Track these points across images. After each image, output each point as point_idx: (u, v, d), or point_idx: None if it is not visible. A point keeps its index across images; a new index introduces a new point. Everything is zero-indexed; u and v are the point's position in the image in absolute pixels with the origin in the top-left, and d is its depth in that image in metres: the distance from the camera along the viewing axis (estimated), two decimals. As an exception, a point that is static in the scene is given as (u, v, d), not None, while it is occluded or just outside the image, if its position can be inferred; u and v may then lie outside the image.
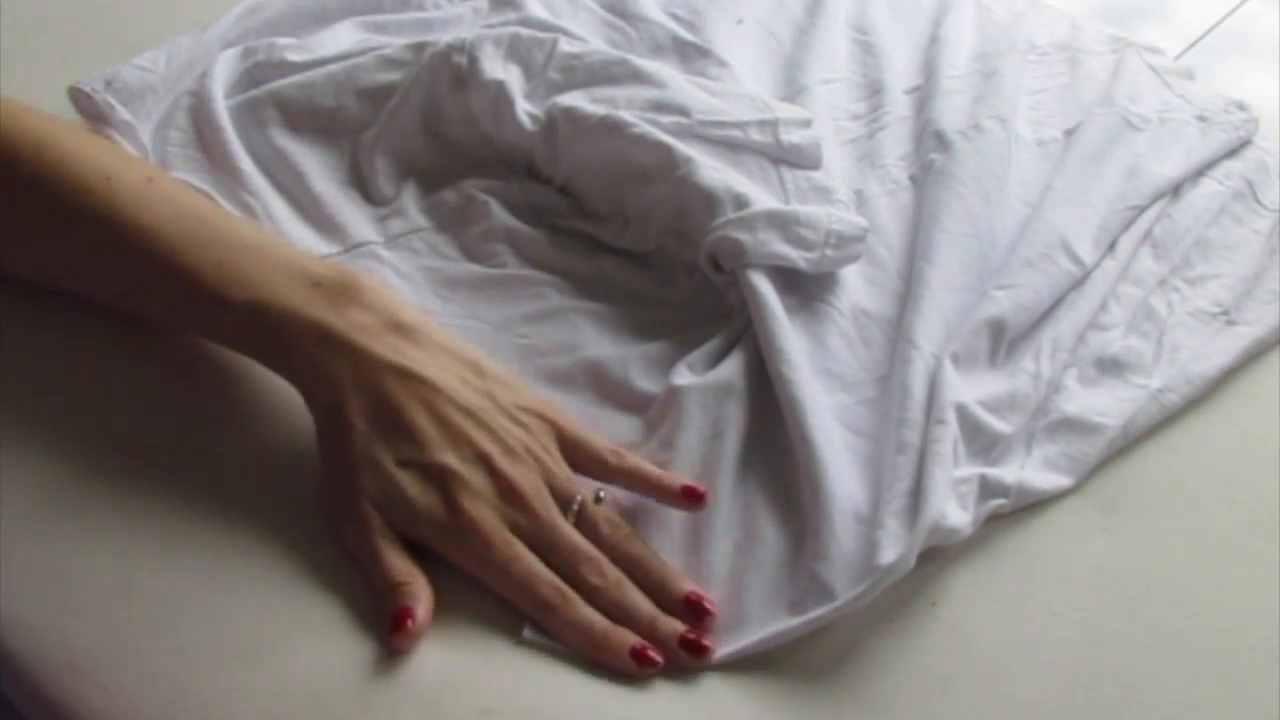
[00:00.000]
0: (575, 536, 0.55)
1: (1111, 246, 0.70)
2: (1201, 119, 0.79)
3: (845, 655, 0.54)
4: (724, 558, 0.57)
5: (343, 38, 0.79)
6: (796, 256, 0.65)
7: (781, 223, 0.65)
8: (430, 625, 0.53)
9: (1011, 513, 0.60)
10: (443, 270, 0.69)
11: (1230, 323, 0.69)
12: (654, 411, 0.62)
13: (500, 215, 0.70)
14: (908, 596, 0.56)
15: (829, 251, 0.66)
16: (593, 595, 0.54)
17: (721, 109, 0.72)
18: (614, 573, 0.55)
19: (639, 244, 0.70)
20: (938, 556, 0.58)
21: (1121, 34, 0.87)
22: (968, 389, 0.61)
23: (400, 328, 0.57)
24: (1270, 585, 0.59)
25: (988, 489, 0.59)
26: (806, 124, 0.74)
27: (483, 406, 0.57)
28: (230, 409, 0.61)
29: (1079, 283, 0.68)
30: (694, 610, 0.55)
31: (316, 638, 0.53)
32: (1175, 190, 0.75)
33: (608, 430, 0.62)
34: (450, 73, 0.73)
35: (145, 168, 0.62)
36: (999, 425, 0.61)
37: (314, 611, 0.54)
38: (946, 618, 0.56)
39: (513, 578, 0.54)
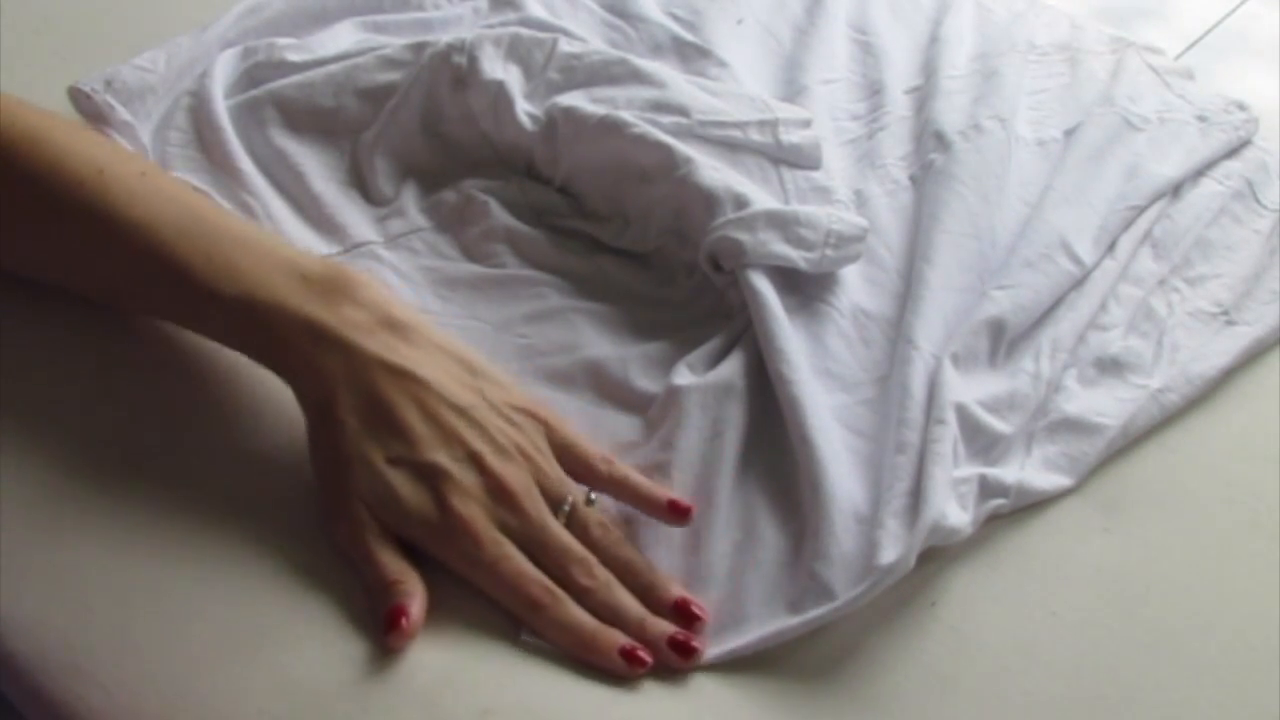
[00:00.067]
0: (565, 537, 0.55)
1: (1111, 246, 0.70)
2: (1201, 119, 0.79)
3: (845, 655, 0.54)
4: (723, 557, 0.57)
5: (343, 38, 0.79)
6: (796, 256, 0.65)
7: (781, 223, 0.65)
8: (427, 624, 0.53)
9: (1011, 513, 0.60)
10: (442, 270, 0.69)
11: (1230, 323, 0.69)
12: (654, 411, 0.62)
13: (500, 215, 0.70)
14: (907, 596, 0.56)
15: (829, 251, 0.66)
16: (582, 596, 0.54)
17: (721, 109, 0.72)
18: (604, 574, 0.55)
19: (639, 244, 0.70)
20: (937, 556, 0.58)
21: (1121, 34, 0.87)
22: (967, 389, 0.61)
23: (393, 324, 0.57)
24: (1270, 585, 0.59)
25: (987, 489, 0.59)
26: (806, 124, 0.74)
27: (475, 404, 0.56)
28: (230, 409, 0.61)
29: (1079, 283, 0.68)
30: (683, 614, 0.55)
31: (316, 637, 0.53)
32: (1175, 190, 0.75)
33: (608, 430, 0.62)
34: (450, 73, 0.73)
35: (139, 162, 0.62)
36: (999, 425, 0.61)
37: (313, 611, 0.54)
38: (946, 618, 0.56)
39: (501, 577, 0.54)
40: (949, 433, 0.59)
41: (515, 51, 0.74)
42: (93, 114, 0.71)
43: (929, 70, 0.81)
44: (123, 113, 0.72)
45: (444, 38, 0.75)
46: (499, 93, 0.72)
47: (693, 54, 0.81)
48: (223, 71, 0.75)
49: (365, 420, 0.55)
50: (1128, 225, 0.71)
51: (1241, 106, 0.81)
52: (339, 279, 0.58)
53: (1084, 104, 0.79)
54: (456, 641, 0.53)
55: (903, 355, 0.63)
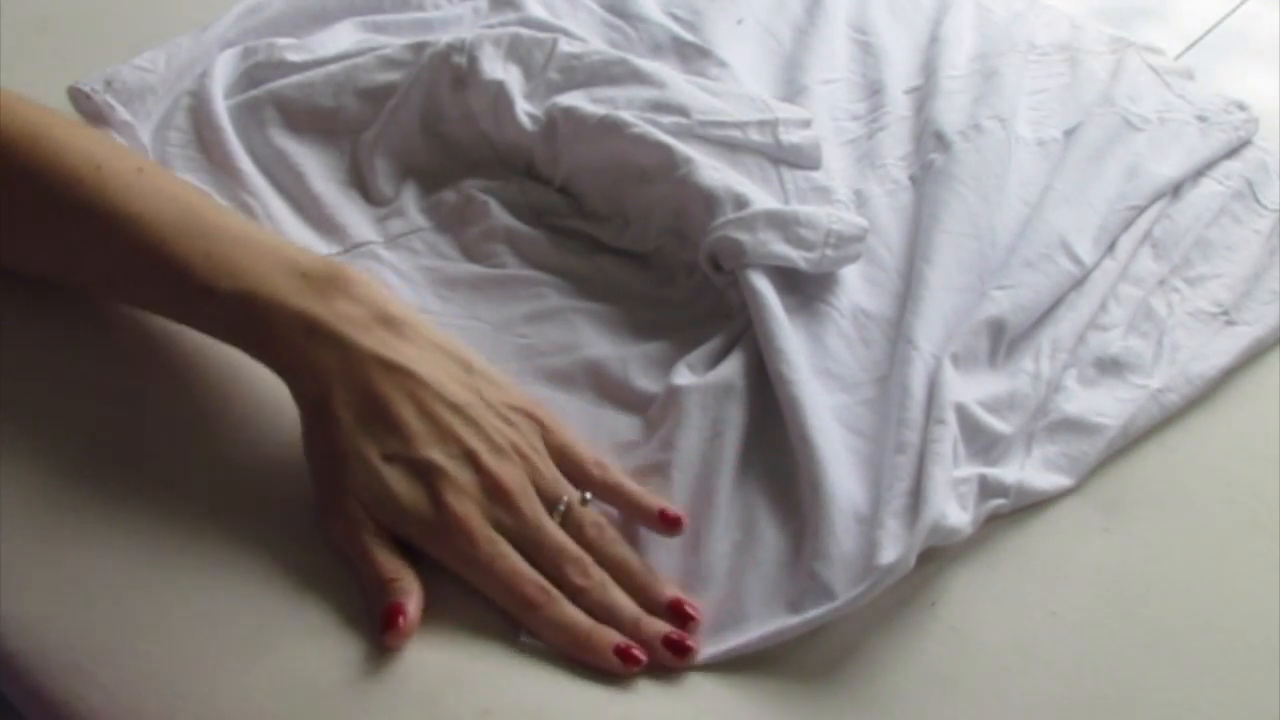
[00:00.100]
0: (561, 536, 0.55)
1: (1111, 246, 0.70)
2: (1201, 119, 0.79)
3: (845, 655, 0.54)
4: (723, 557, 0.57)
5: (343, 38, 0.79)
6: (796, 256, 0.65)
7: (781, 223, 0.65)
8: (426, 624, 0.53)
9: (1011, 513, 0.60)
10: (442, 270, 0.69)
11: (1230, 323, 0.69)
12: (654, 411, 0.62)
13: (500, 215, 0.70)
14: (907, 596, 0.56)
15: (829, 251, 0.66)
16: (576, 595, 0.54)
17: (721, 109, 0.72)
18: (598, 573, 0.55)
19: (639, 244, 0.70)
20: (937, 556, 0.58)
21: (1121, 34, 0.87)
22: (967, 389, 0.61)
23: (389, 321, 0.57)
24: (1270, 585, 0.59)
25: (987, 489, 0.59)
26: (806, 124, 0.74)
27: (470, 402, 0.56)
28: (229, 409, 0.61)
29: (1079, 283, 0.68)
30: (678, 614, 0.55)
31: (316, 637, 0.53)
32: (1175, 190, 0.75)
33: (608, 430, 0.62)
34: (450, 73, 0.73)
35: (136, 159, 0.62)
36: (999, 425, 0.61)
37: (314, 611, 0.54)
38: (946, 618, 0.56)
39: (496, 576, 0.54)
40: (949, 433, 0.59)
41: (515, 51, 0.74)
42: (93, 114, 0.71)
43: (929, 70, 0.81)
44: (123, 113, 0.72)
45: (444, 38, 0.75)
46: (499, 93, 0.72)
47: (693, 54, 0.81)
48: (223, 71, 0.75)
49: (361, 416, 0.55)
50: (1128, 225, 0.71)
51: (1241, 106, 0.81)
52: (336, 275, 0.58)
53: (1084, 104, 0.79)
54: (456, 641, 0.53)
55: (903, 355, 0.63)
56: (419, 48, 0.74)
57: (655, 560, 0.57)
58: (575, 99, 0.71)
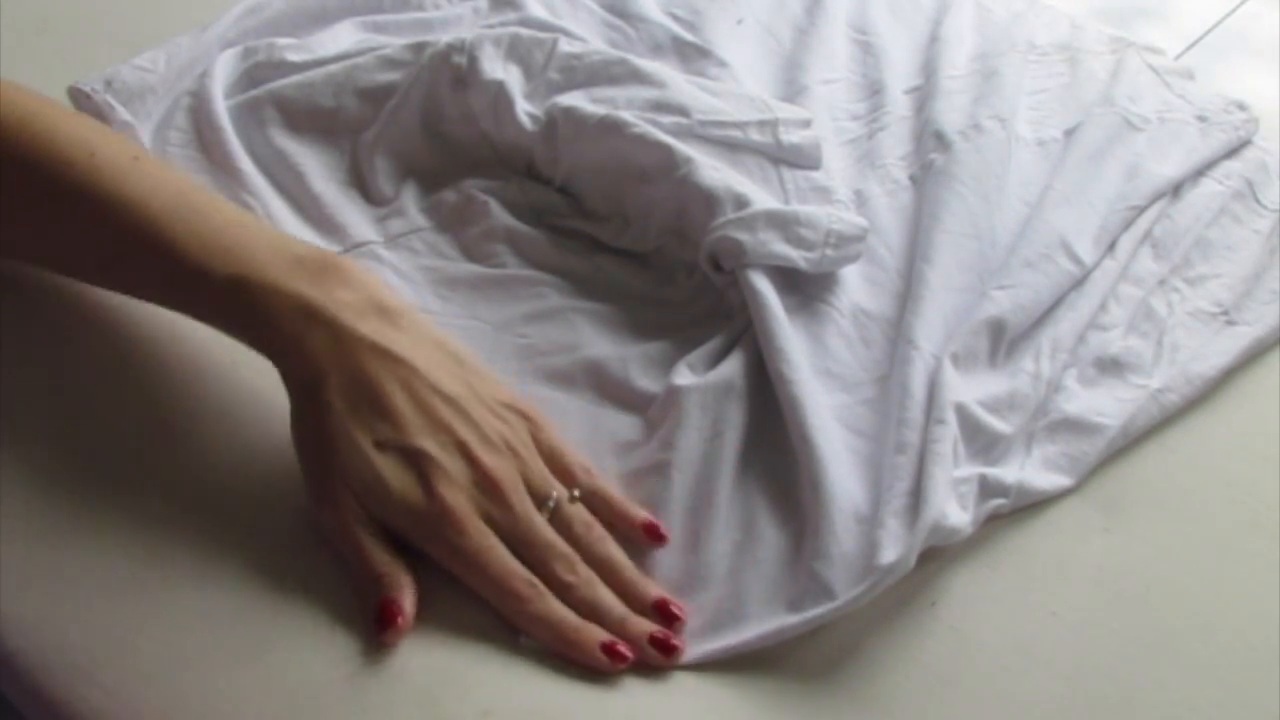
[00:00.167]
0: (549, 532, 0.55)
1: (1111, 246, 0.70)
2: (1201, 119, 0.79)
3: (845, 655, 0.54)
4: (723, 557, 0.57)
5: (343, 38, 0.79)
6: (796, 256, 0.65)
7: (781, 222, 0.65)
8: (425, 624, 0.53)
9: (1011, 513, 0.60)
10: (443, 270, 0.69)
11: (1230, 323, 0.69)
12: (654, 411, 0.62)
13: (500, 215, 0.70)
14: (907, 596, 0.56)
15: (829, 251, 0.66)
16: (563, 592, 0.54)
17: (721, 109, 0.72)
18: (585, 571, 0.55)
19: (639, 244, 0.70)
20: (937, 556, 0.58)
21: (1121, 34, 0.87)
22: (967, 389, 0.61)
23: (383, 310, 0.57)
24: (1270, 585, 0.59)
25: (987, 489, 0.59)
26: (806, 124, 0.74)
27: (463, 395, 0.56)
28: (229, 410, 0.61)
29: (1079, 283, 0.68)
30: (664, 615, 0.55)
31: (316, 637, 0.53)
32: (1175, 190, 0.75)
33: (608, 429, 0.62)
34: (450, 73, 0.73)
35: (131, 146, 0.61)
36: (999, 425, 0.61)
37: (313, 610, 0.54)
38: (946, 617, 0.56)
39: (485, 569, 0.53)
40: (949, 432, 0.59)
41: (515, 51, 0.74)
42: (93, 114, 0.71)
43: (929, 70, 0.81)
44: (123, 113, 0.72)
45: (444, 38, 0.75)
46: (499, 93, 0.72)
47: (693, 54, 0.81)
48: (223, 71, 0.75)
49: (352, 402, 0.54)
50: (1128, 225, 0.71)
51: (1241, 106, 0.81)
52: (331, 262, 0.57)
53: (1084, 104, 0.79)
54: (456, 642, 0.53)
55: (903, 355, 0.63)
56: (419, 48, 0.74)
57: (655, 560, 0.57)
58: (575, 99, 0.71)
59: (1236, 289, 0.71)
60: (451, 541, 0.53)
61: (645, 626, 0.54)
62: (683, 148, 0.68)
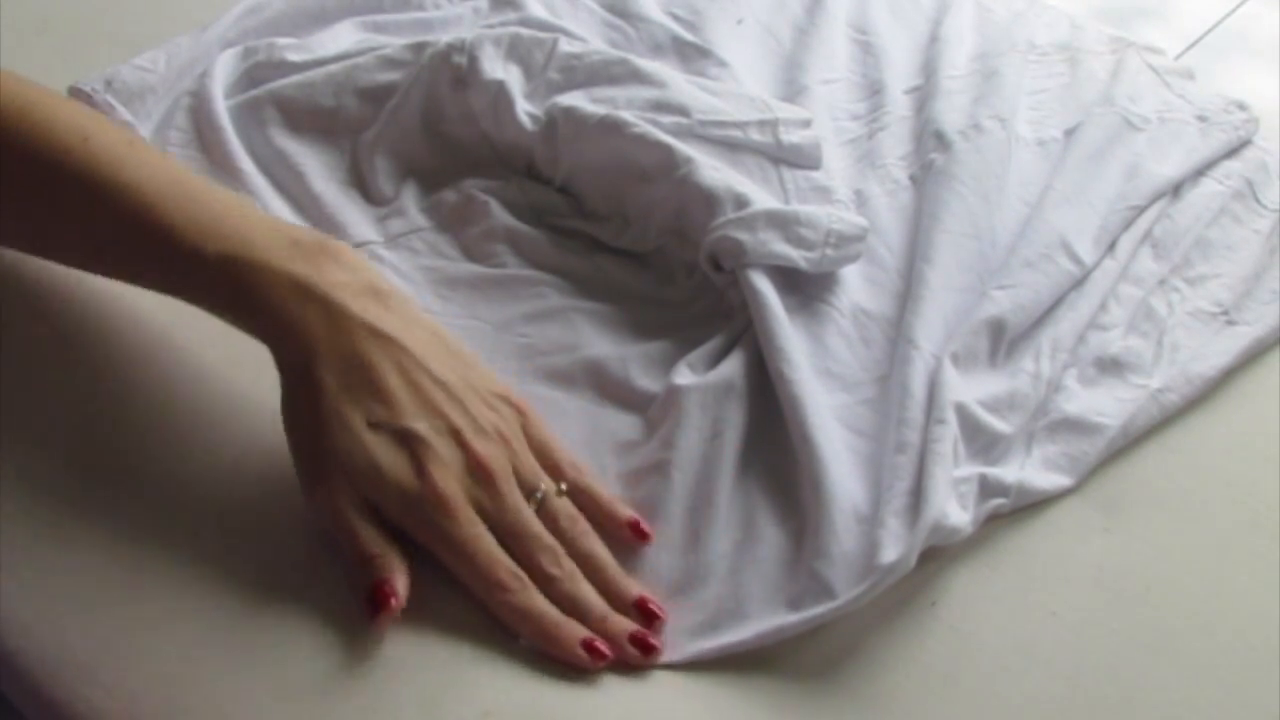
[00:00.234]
0: (537, 524, 0.55)
1: (1111, 246, 0.70)
2: (1201, 119, 0.79)
3: (845, 654, 0.54)
4: (723, 556, 0.57)
5: (343, 38, 0.79)
6: (797, 256, 0.65)
7: (782, 222, 0.65)
8: (426, 624, 0.53)
9: (1011, 513, 0.60)
10: (443, 270, 0.69)
11: (1230, 323, 0.69)
12: (654, 411, 0.62)
13: (500, 215, 0.70)
14: (908, 596, 0.56)
15: (829, 251, 0.66)
16: (547, 584, 0.54)
17: (721, 109, 0.72)
18: (570, 565, 0.55)
19: (639, 244, 0.70)
20: (938, 556, 0.58)
21: (1121, 34, 0.87)
22: (967, 389, 0.62)
23: (378, 293, 0.57)
24: (1270, 585, 0.59)
25: (988, 489, 0.59)
26: (806, 124, 0.74)
27: (456, 381, 0.56)
28: (230, 410, 0.61)
29: (1079, 283, 0.68)
30: (644, 613, 0.55)
31: (317, 637, 0.53)
32: (1175, 190, 0.75)
33: (608, 429, 0.62)
34: (450, 73, 0.73)
35: (125, 133, 0.61)
36: (999, 425, 0.61)
37: (314, 611, 0.54)
38: (946, 617, 0.56)
39: (472, 556, 0.53)
40: (949, 432, 0.59)
41: (515, 51, 0.74)
42: (93, 114, 0.71)
43: (929, 70, 0.81)
44: (123, 113, 0.72)
45: (444, 38, 0.75)
46: (499, 92, 0.72)
47: (693, 54, 0.81)
48: (223, 71, 0.75)
49: (345, 382, 0.54)
50: (1128, 225, 0.71)
51: (1241, 106, 0.81)
52: (326, 244, 0.57)
53: (1084, 104, 0.79)
54: (457, 642, 0.53)
55: (903, 355, 0.63)
56: (419, 48, 0.74)
57: (655, 559, 0.57)
58: (575, 99, 0.71)
59: (1236, 289, 0.71)
60: (440, 526, 0.53)
61: (626, 625, 0.54)
62: (683, 147, 0.68)
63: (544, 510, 0.56)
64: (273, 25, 0.80)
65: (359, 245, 0.69)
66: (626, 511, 0.58)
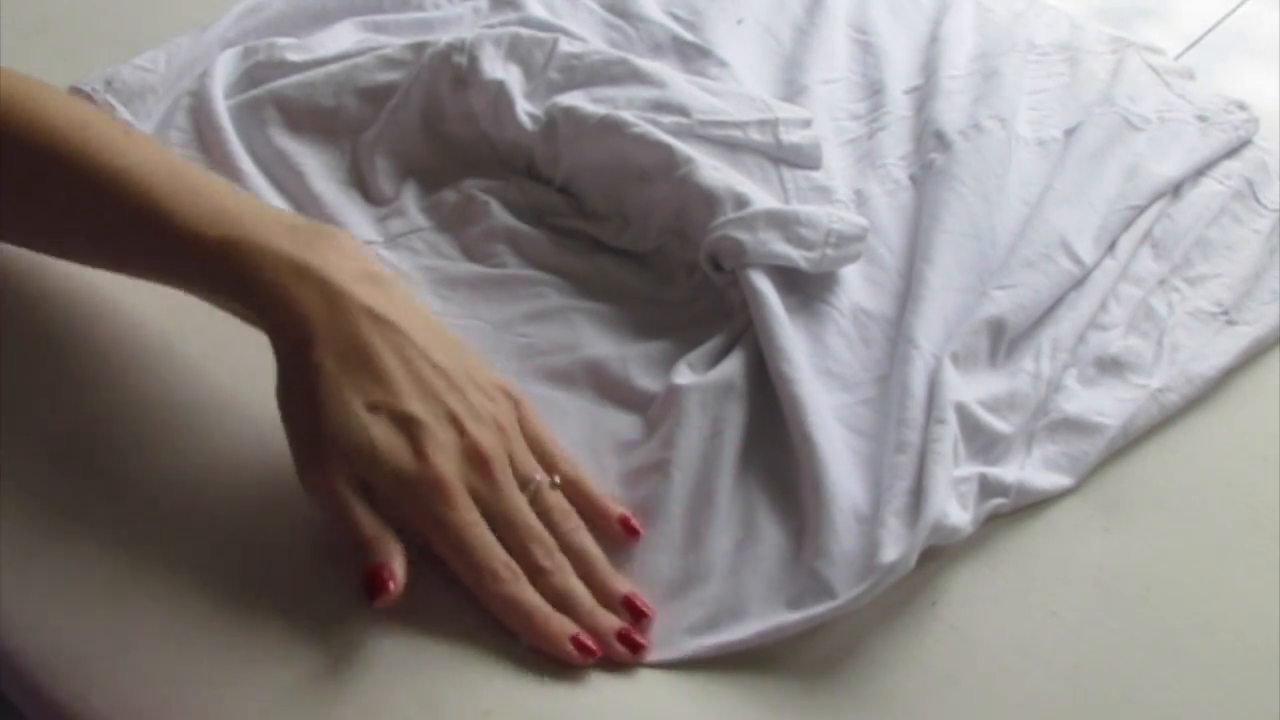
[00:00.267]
0: (531, 515, 0.55)
1: (1111, 246, 0.70)
2: (1201, 119, 0.79)
3: (845, 654, 0.54)
4: (723, 554, 0.57)
5: (343, 38, 0.79)
6: (797, 256, 0.65)
7: (782, 222, 0.65)
8: (426, 624, 0.53)
9: (1011, 512, 0.60)
10: (443, 270, 0.69)
11: (1230, 322, 0.69)
12: (654, 410, 0.62)
13: (500, 215, 0.70)
14: (908, 596, 0.56)
15: (829, 251, 0.66)
16: (537, 576, 0.54)
17: (721, 109, 0.72)
18: (561, 559, 0.55)
19: (639, 244, 0.70)
20: (938, 556, 0.58)
21: (1121, 34, 0.87)
22: (968, 389, 0.62)
23: (376, 278, 0.56)
24: (1270, 585, 0.59)
25: (988, 488, 0.59)
26: (806, 124, 0.74)
27: (454, 368, 0.56)
28: (230, 410, 0.61)
29: (1079, 282, 0.68)
30: (631, 611, 0.55)
31: (318, 637, 0.53)
32: (1175, 190, 0.75)
33: (608, 429, 0.62)
34: (450, 72, 0.73)
35: (122, 124, 0.61)
36: (999, 425, 0.61)
37: (315, 611, 0.54)
38: (946, 617, 0.56)
39: (466, 543, 0.53)
40: (949, 432, 0.59)
41: (515, 51, 0.74)
42: (93, 114, 0.71)
43: (929, 70, 0.81)
44: (123, 113, 0.72)
45: (444, 37, 0.75)
46: (499, 92, 0.72)
47: (693, 54, 0.81)
48: (223, 71, 0.75)
49: (344, 363, 0.53)
50: (1128, 225, 0.71)
51: (1242, 106, 0.81)
52: (323, 229, 0.57)
53: (1084, 104, 0.79)
54: (457, 642, 0.53)
55: (903, 355, 0.63)
56: (419, 47, 0.74)
57: (655, 558, 0.57)
58: (575, 99, 0.71)
59: (1237, 289, 0.71)
60: (436, 510, 0.53)
61: (613, 621, 0.54)
62: (683, 147, 0.68)
63: (537, 502, 0.55)
64: (273, 25, 0.80)
65: (359, 245, 0.69)
66: (618, 508, 0.58)
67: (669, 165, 0.68)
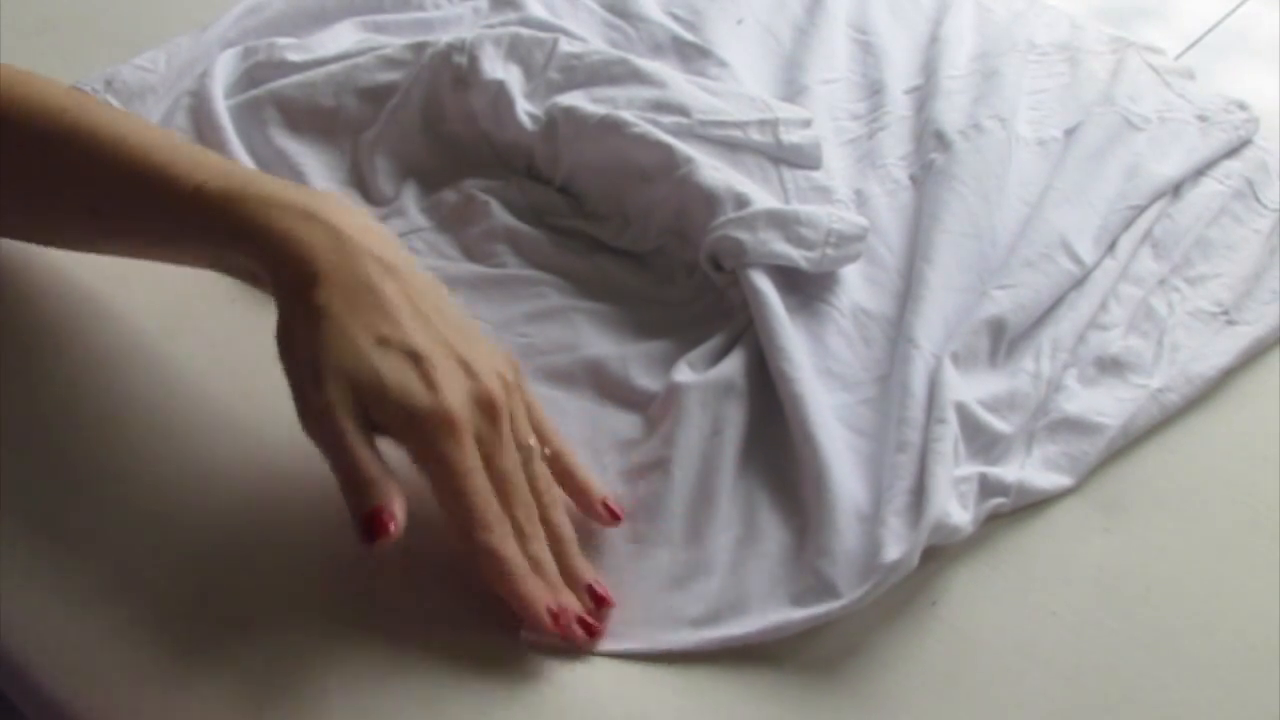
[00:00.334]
0: (522, 476, 0.54)
1: (1111, 246, 0.70)
2: (1202, 118, 0.79)
3: (845, 653, 0.54)
4: (724, 550, 0.57)
5: (343, 38, 0.79)
6: (797, 255, 0.65)
7: (782, 222, 0.65)
8: (427, 624, 0.53)
9: (1011, 512, 0.60)
10: (443, 270, 0.69)
11: (1230, 322, 0.69)
12: (655, 409, 0.62)
13: (500, 215, 0.70)
14: (908, 595, 0.56)
15: (829, 251, 0.66)
16: (518, 538, 0.53)
17: (721, 109, 0.72)
18: (539, 529, 0.54)
19: (639, 244, 0.70)
20: (938, 556, 0.58)
21: (1121, 34, 0.87)
22: (968, 388, 0.62)
23: (381, 232, 0.56)
24: (1270, 585, 0.59)
25: (988, 488, 0.59)
26: (806, 124, 0.74)
27: (460, 320, 0.55)
28: (230, 408, 0.61)
29: (1079, 282, 0.68)
30: (594, 598, 0.54)
31: (316, 637, 0.53)
32: (1175, 190, 0.75)
33: (608, 428, 0.62)
34: (450, 72, 0.73)
35: (115, 106, 0.62)
36: (999, 425, 0.61)
37: (314, 611, 0.54)
38: (947, 617, 0.56)
39: (464, 485, 0.51)
40: (950, 431, 0.59)
41: (515, 51, 0.74)
42: (93, 114, 0.71)
43: (929, 70, 0.81)
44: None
45: (444, 37, 0.75)
46: (499, 92, 0.72)
47: (693, 54, 0.81)
48: (223, 71, 0.75)
49: (350, 303, 0.51)
50: (1128, 225, 0.71)
51: (1242, 106, 0.81)
52: (328, 193, 0.57)
53: (1084, 103, 0.79)
54: (457, 641, 0.53)
55: (903, 354, 0.63)
56: (419, 47, 0.74)
57: (656, 552, 0.57)
58: (575, 99, 0.71)
59: (1237, 289, 0.71)
60: (442, 446, 0.50)
61: (575, 604, 0.54)
62: (683, 147, 0.68)
63: (525, 468, 0.54)
64: (273, 25, 0.80)
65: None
66: (598, 491, 0.57)
67: (669, 165, 0.68)
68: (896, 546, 0.55)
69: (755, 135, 0.72)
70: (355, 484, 0.49)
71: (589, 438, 0.61)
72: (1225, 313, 0.69)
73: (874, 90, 0.81)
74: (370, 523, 0.49)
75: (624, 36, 0.83)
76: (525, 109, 0.72)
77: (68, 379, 0.62)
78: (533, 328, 0.66)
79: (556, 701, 0.52)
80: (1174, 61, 0.86)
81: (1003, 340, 0.64)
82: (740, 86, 0.78)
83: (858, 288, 0.68)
